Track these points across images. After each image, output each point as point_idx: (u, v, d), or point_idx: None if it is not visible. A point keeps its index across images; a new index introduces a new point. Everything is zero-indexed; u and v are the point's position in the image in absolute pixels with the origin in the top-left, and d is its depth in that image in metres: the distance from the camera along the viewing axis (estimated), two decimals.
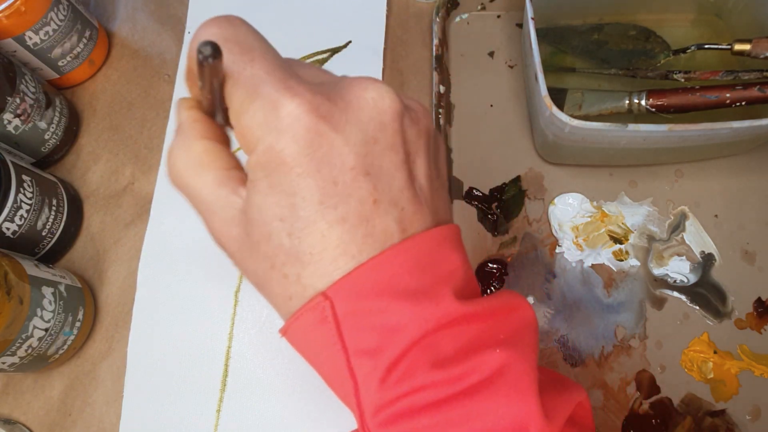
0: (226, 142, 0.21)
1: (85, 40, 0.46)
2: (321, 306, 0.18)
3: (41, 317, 0.35)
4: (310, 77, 0.20)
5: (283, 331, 0.19)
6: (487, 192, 0.44)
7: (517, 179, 0.44)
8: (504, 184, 0.44)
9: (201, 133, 0.20)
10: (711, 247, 0.41)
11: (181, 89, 0.48)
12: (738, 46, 0.41)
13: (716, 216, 0.42)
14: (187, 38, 0.49)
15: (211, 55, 0.16)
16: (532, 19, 0.39)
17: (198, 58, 0.17)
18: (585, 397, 0.22)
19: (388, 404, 0.17)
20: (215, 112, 0.20)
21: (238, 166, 0.20)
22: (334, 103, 0.18)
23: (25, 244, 0.38)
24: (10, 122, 0.39)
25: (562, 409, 0.20)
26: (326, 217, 0.17)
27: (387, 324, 0.17)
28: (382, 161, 0.18)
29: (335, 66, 0.48)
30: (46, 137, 0.43)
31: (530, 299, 0.41)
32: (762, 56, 0.41)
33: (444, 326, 0.18)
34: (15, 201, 0.36)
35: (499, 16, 0.50)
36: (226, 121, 0.20)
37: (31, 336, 0.34)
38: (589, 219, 0.43)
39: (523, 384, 0.18)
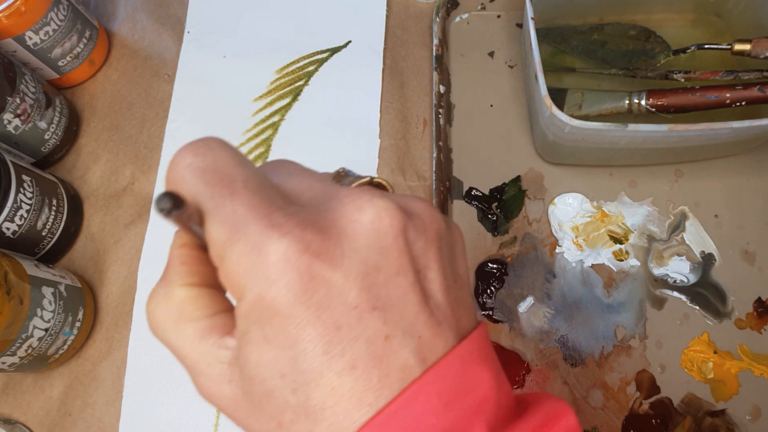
0: (218, 283, 0.19)
1: (85, 40, 0.46)
2: None
3: (41, 317, 0.35)
4: (298, 190, 0.18)
5: None
6: (487, 192, 0.44)
7: (517, 179, 0.44)
8: (504, 184, 0.44)
9: (185, 278, 0.18)
10: (711, 247, 0.41)
11: (181, 89, 0.48)
12: (738, 46, 0.41)
13: (716, 216, 0.42)
14: (187, 38, 0.49)
15: (172, 209, 0.15)
16: (532, 19, 0.39)
17: (160, 215, 0.15)
18: None
19: None
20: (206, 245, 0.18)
21: (226, 308, 0.18)
22: (327, 235, 0.16)
23: (25, 244, 0.38)
24: (10, 122, 0.39)
25: None
26: (333, 368, 0.15)
27: None
28: (389, 289, 0.16)
29: (335, 66, 0.48)
30: (46, 137, 0.43)
31: (530, 299, 0.41)
32: (762, 56, 0.40)
33: None
34: (15, 201, 0.36)
35: (499, 16, 0.50)
36: None
37: (31, 336, 0.34)
38: (589, 219, 0.43)
39: None
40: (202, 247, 0.18)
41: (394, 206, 0.17)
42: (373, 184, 0.19)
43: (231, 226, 0.16)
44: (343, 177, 0.20)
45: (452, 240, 0.19)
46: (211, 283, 0.18)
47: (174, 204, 0.15)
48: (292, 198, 0.17)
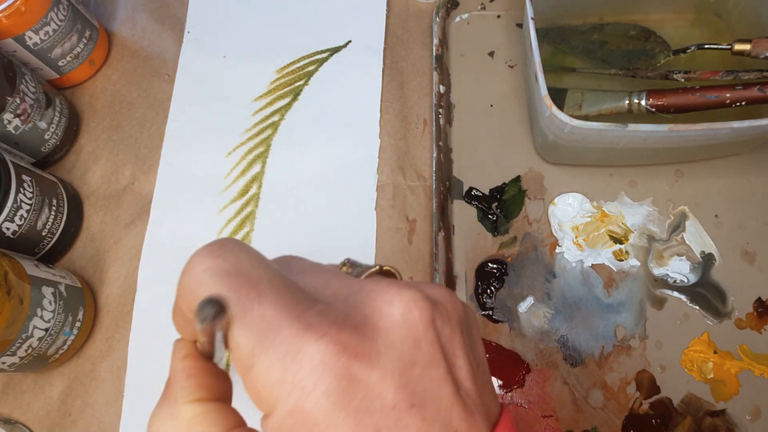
0: (226, 394, 0.18)
1: (85, 40, 0.46)
2: None
3: (41, 317, 0.35)
4: (316, 286, 0.17)
5: None
6: (487, 192, 0.44)
7: (517, 179, 0.44)
8: (504, 184, 0.44)
9: (193, 393, 0.17)
10: (711, 247, 0.41)
11: (181, 89, 0.48)
12: (738, 46, 0.41)
13: (716, 216, 0.42)
14: (187, 38, 0.49)
15: (216, 314, 0.14)
16: (532, 19, 0.39)
17: (200, 324, 0.14)
18: None
19: None
20: (215, 353, 0.17)
21: (238, 423, 0.17)
22: (362, 333, 0.15)
23: (25, 244, 0.38)
24: (10, 122, 0.39)
25: None
26: None
27: None
28: (424, 383, 0.16)
29: (335, 66, 0.48)
30: (46, 137, 0.43)
31: (530, 299, 0.41)
32: (762, 56, 0.40)
33: None
34: (15, 201, 0.36)
35: (499, 16, 0.50)
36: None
37: (31, 336, 0.34)
38: (589, 219, 0.43)
39: None
40: (207, 356, 0.17)
41: (422, 296, 0.16)
42: (383, 273, 0.19)
43: (260, 332, 0.15)
44: (350, 268, 0.19)
45: (469, 324, 0.19)
46: (220, 396, 0.17)
47: (219, 310, 0.14)
48: (312, 295, 0.17)
